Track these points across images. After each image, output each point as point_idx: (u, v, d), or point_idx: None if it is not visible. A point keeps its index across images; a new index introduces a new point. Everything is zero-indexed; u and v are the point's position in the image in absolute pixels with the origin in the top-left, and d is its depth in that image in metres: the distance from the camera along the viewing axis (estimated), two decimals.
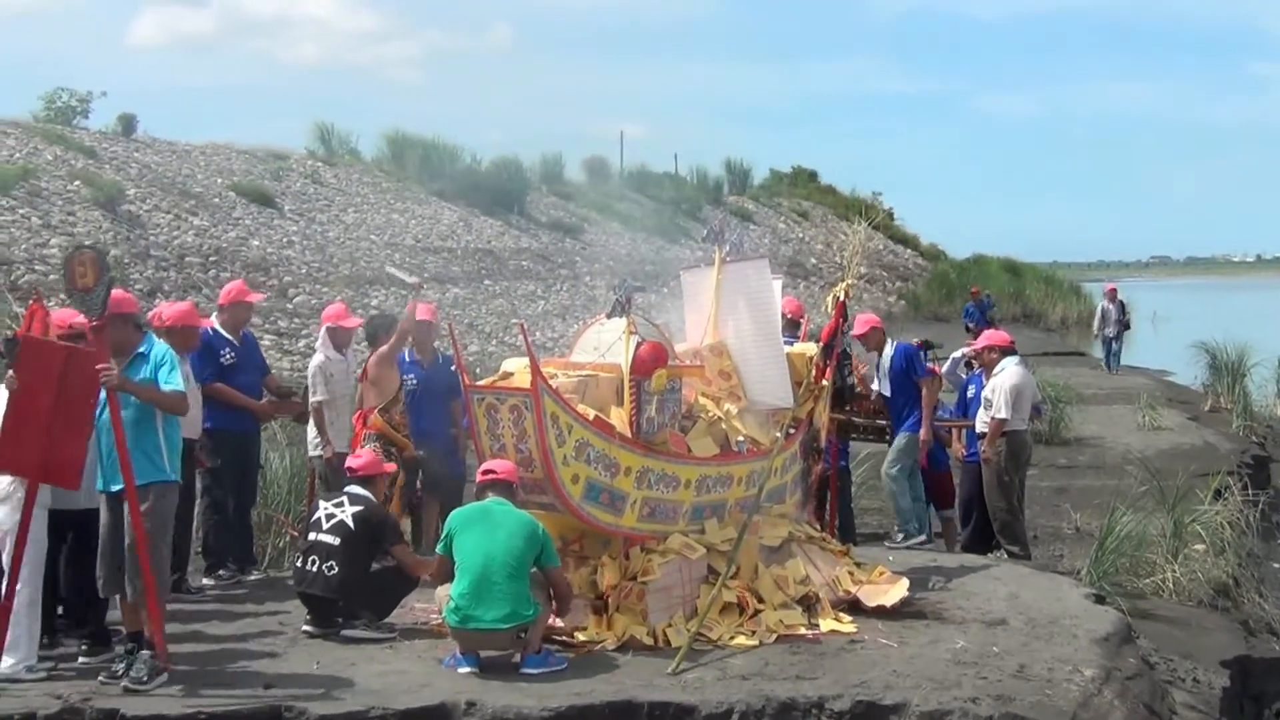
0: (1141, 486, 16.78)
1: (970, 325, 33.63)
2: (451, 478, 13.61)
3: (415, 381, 13.18)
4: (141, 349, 9.70)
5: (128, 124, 37.08)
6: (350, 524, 10.81)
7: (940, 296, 60.79)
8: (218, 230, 31.53)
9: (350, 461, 11.56)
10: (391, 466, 12.00)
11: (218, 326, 13.03)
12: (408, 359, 13.25)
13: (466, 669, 9.76)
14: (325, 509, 11.00)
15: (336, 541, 10.78)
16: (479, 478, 10.37)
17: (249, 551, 13.22)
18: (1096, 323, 39.12)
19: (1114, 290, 39.10)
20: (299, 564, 11.05)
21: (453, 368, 13.25)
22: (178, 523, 12.00)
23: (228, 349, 12.88)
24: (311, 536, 10.97)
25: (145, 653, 9.40)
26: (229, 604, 11.71)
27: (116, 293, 9.90)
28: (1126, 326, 38.38)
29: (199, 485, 12.62)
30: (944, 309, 58.15)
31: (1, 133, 30.81)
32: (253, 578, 12.92)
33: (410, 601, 11.65)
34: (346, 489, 11.22)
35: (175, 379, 9.59)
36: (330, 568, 10.75)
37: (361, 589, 10.75)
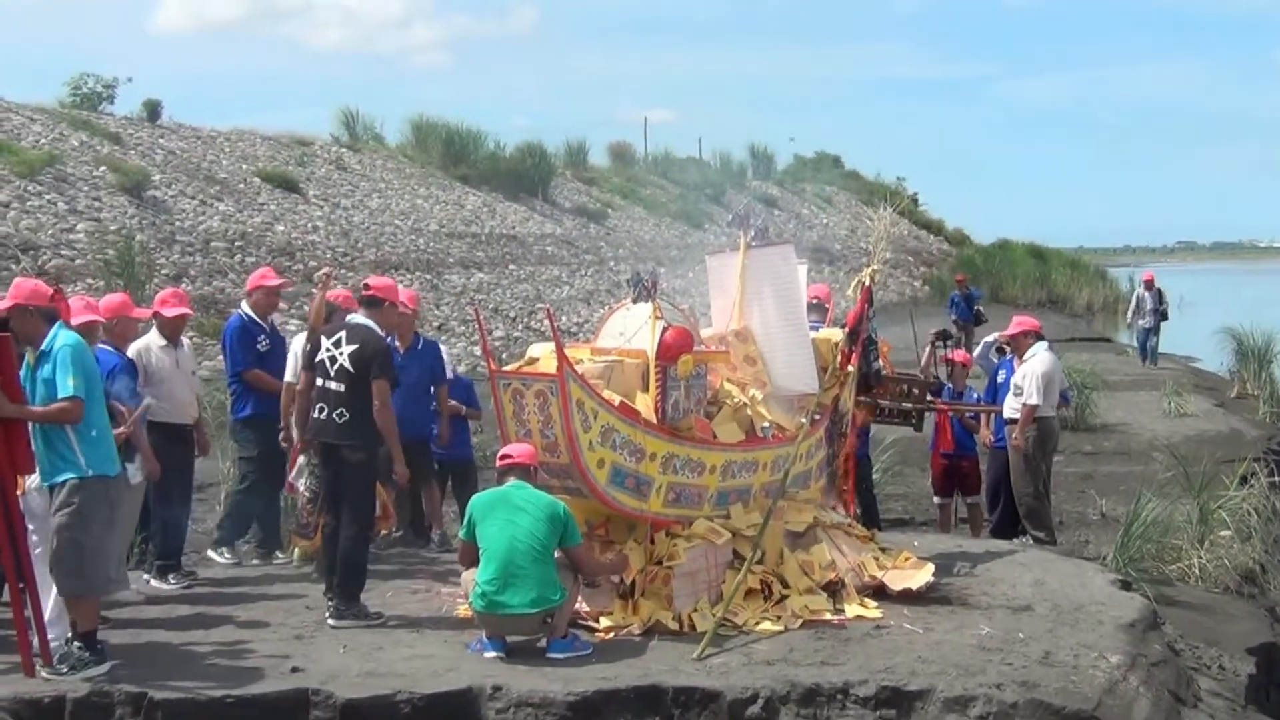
0: (1167, 472, 16.73)
1: (957, 318, 33.37)
2: (460, 460, 13.61)
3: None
4: (45, 344, 9.51)
5: (153, 110, 37.17)
6: (349, 367, 10.78)
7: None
8: (243, 216, 31.62)
9: (367, 281, 11.59)
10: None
11: (249, 312, 13.07)
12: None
13: (492, 653, 9.78)
14: (327, 350, 10.93)
15: (342, 388, 10.79)
16: (497, 463, 10.38)
17: (275, 535, 13.23)
18: (1131, 311, 37.31)
19: (1151, 278, 36.98)
20: (313, 414, 11.03)
21: (435, 353, 13.33)
22: (171, 507, 12.04)
23: (263, 336, 12.95)
24: (319, 383, 10.96)
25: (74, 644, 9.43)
26: (255, 586, 11.74)
27: (27, 283, 9.88)
28: (1164, 316, 36.08)
29: (236, 469, 12.69)
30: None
31: (28, 118, 30.91)
32: (278, 560, 12.95)
33: (436, 587, 11.70)
34: (348, 318, 11.24)
35: (66, 382, 9.32)
36: (341, 414, 10.77)
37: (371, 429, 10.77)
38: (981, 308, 35.08)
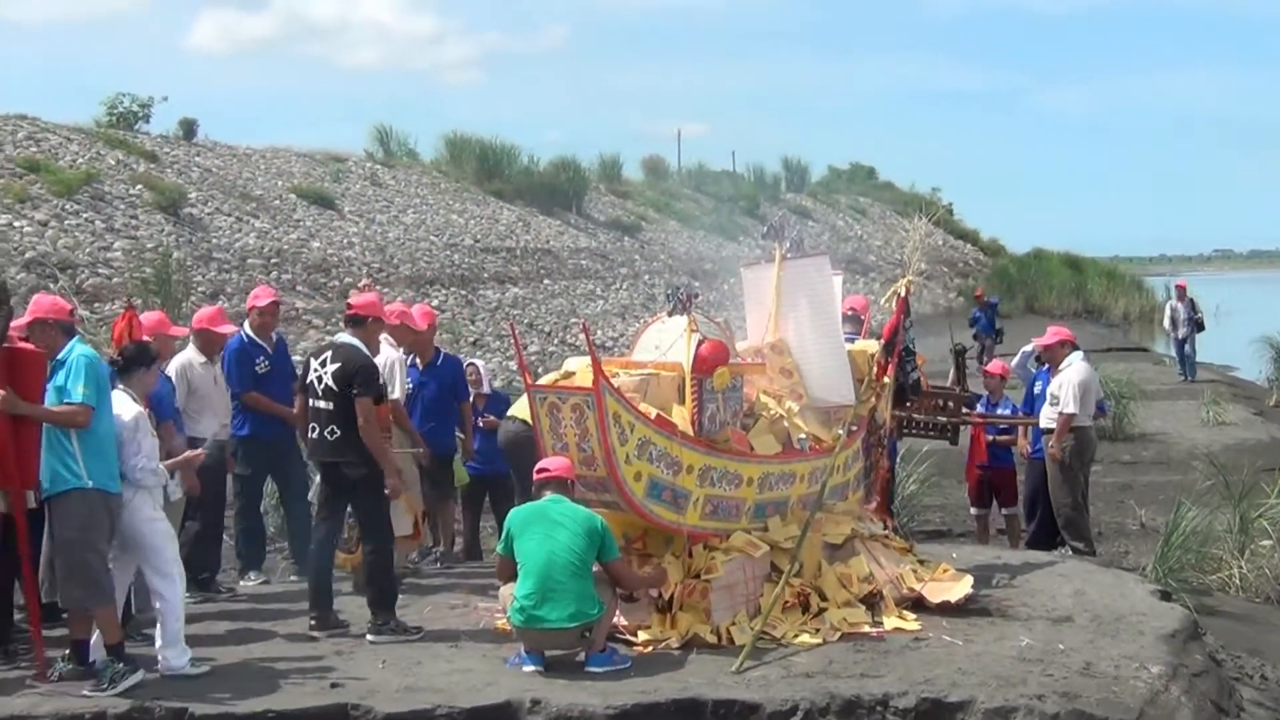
0: (1207, 482, 16.65)
1: (978, 332, 32.95)
2: (497, 475, 13.65)
3: (412, 384, 13.21)
4: (62, 354, 9.63)
5: (189, 128, 37.34)
6: (333, 385, 10.84)
7: (1001, 291, 60.53)
8: (279, 232, 31.73)
9: (349, 299, 11.73)
10: None
11: (249, 332, 13.06)
12: (407, 363, 13.25)
13: (531, 667, 9.78)
14: (315, 370, 11.03)
15: (330, 406, 10.86)
16: (535, 476, 10.39)
17: (304, 552, 13.24)
18: (1166, 322, 35.51)
19: (1183, 287, 35.59)
20: (310, 435, 11.13)
21: (455, 369, 13.34)
22: (209, 525, 12.14)
23: (262, 357, 12.93)
24: (311, 403, 11.05)
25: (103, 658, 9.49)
26: (294, 602, 11.75)
27: (46, 298, 10.13)
28: (1200, 327, 34.35)
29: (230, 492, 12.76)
30: (1004, 305, 57.89)
31: (65, 138, 31.08)
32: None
33: (475, 601, 11.71)
34: (334, 338, 11.33)
35: (76, 389, 9.41)
36: (331, 432, 10.85)
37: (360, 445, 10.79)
38: (999, 319, 34.41)
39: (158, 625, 9.81)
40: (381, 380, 11.20)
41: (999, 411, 15.88)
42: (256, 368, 12.85)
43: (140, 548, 9.86)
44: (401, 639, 10.66)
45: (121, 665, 9.40)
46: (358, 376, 10.82)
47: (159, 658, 9.70)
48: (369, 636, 10.72)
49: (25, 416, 9.47)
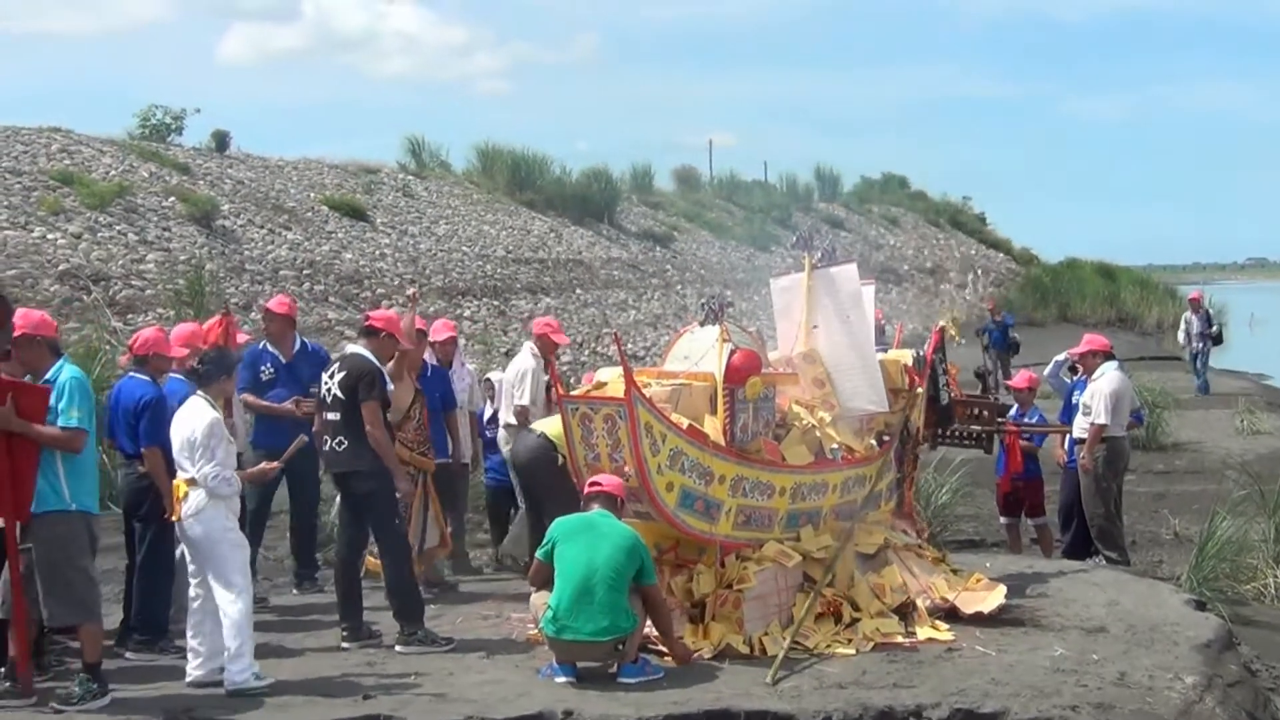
0: (1241, 491, 16.56)
1: (989, 346, 32.22)
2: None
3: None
4: (49, 375, 9.62)
5: (221, 140, 37.41)
6: (340, 394, 10.91)
7: (1034, 301, 60.37)
8: (311, 244, 31.79)
9: (368, 314, 11.90)
10: None
11: (265, 341, 13.23)
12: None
13: (563, 679, 9.78)
14: (325, 383, 11.12)
15: (338, 416, 10.93)
16: (586, 489, 10.41)
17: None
18: (1181, 335, 33.87)
19: (1198, 299, 34.77)
20: (323, 448, 11.20)
21: (441, 380, 13.27)
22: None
23: (269, 364, 13.00)
24: (323, 415, 11.16)
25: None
26: (327, 614, 11.78)
27: (34, 314, 10.07)
28: (1216, 340, 33.38)
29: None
30: (1037, 314, 57.81)
31: (98, 150, 31.20)
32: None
33: (507, 612, 11.71)
34: (346, 347, 11.54)
35: (70, 413, 9.42)
36: (340, 443, 10.90)
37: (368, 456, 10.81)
38: (1017, 334, 32.79)
39: (203, 637, 9.81)
40: (389, 386, 11.20)
41: (1027, 422, 15.83)
42: (261, 374, 12.92)
43: (210, 559, 9.85)
44: (431, 649, 10.68)
45: (95, 686, 9.40)
46: (361, 381, 10.85)
47: (224, 670, 9.67)
48: (398, 647, 10.75)
49: (20, 444, 9.34)
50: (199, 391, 10.06)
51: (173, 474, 10.19)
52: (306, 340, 13.59)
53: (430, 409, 12.87)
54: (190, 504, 9.80)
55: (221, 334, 11.96)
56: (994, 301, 40.46)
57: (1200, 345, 32.74)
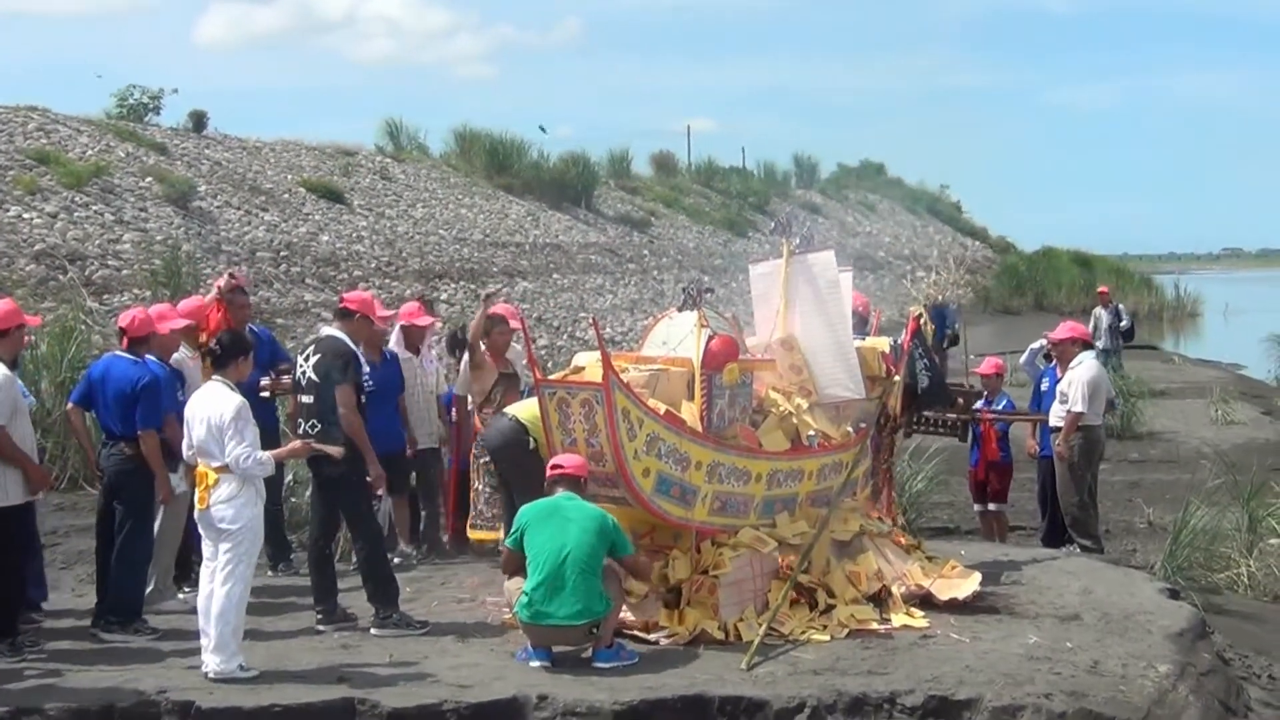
0: (1215, 480, 16.63)
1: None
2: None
3: (372, 384, 12.51)
4: None
5: (199, 121, 37.28)
6: (314, 376, 10.86)
7: (1010, 289, 60.52)
8: (288, 226, 31.71)
9: (343, 295, 11.91)
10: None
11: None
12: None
13: (538, 663, 9.78)
14: (299, 365, 11.07)
15: (311, 399, 10.88)
16: (548, 472, 10.40)
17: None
18: (1091, 330, 27.48)
19: (1105, 293, 31.98)
20: (297, 431, 11.14)
21: (392, 366, 13.17)
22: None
23: None
24: (298, 399, 11.10)
25: None
26: (303, 597, 11.76)
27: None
28: (1128, 336, 31.10)
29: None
30: (1013, 302, 57.95)
31: (75, 130, 31.07)
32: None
33: (482, 596, 11.71)
34: (321, 330, 11.47)
35: None
36: (313, 426, 10.83)
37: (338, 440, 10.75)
38: (958, 326, 27.74)
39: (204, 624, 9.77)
40: (364, 369, 11.15)
41: (996, 408, 15.82)
42: None
43: (233, 546, 9.69)
44: (406, 633, 10.67)
45: None
46: (335, 364, 10.80)
47: (204, 660, 9.62)
48: (373, 630, 10.74)
49: None
50: (216, 376, 9.98)
51: (171, 459, 10.18)
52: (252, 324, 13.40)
53: (382, 393, 12.71)
54: (222, 491, 9.65)
55: (221, 318, 11.89)
56: (937, 292, 39.84)
57: (1109, 342, 29.60)
